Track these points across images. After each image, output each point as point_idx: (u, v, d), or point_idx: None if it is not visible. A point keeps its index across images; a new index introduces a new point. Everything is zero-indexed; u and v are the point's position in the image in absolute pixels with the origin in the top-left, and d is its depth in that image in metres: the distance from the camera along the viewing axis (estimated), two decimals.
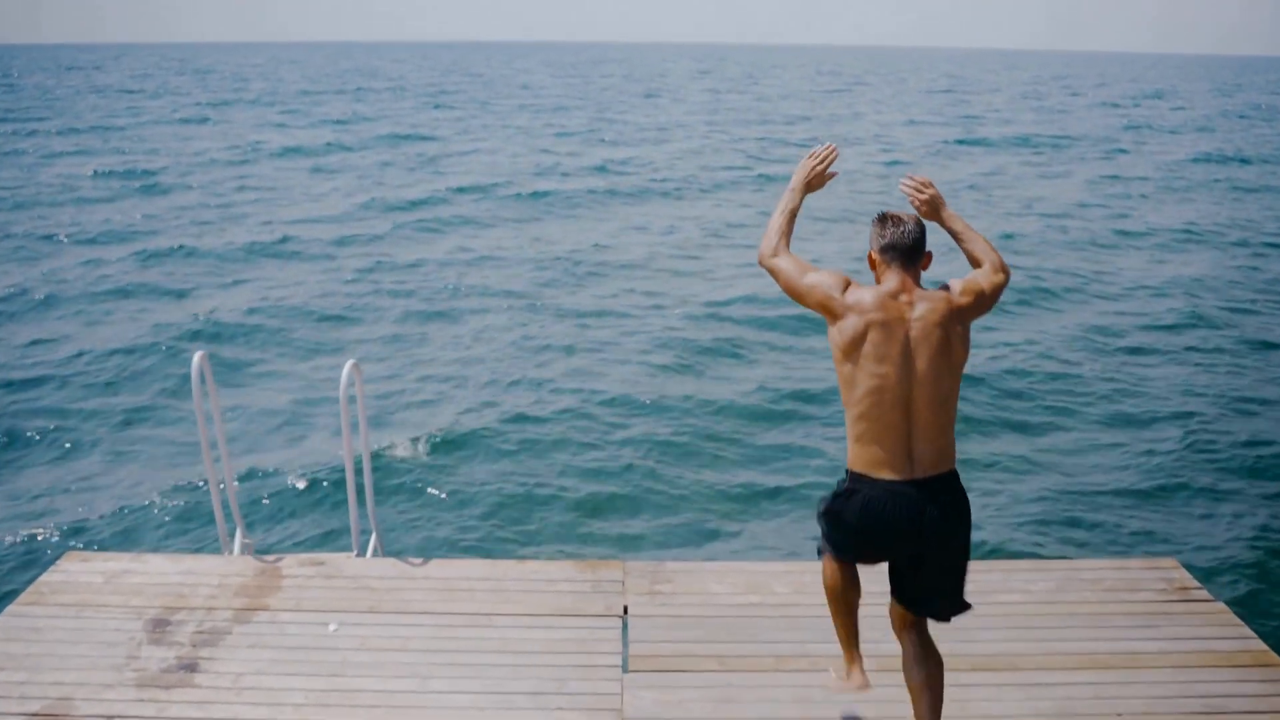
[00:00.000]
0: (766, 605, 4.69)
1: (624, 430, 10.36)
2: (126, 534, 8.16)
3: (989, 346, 12.93)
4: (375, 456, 9.25)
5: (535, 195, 25.48)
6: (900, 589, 3.58)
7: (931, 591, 3.54)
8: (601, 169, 30.62)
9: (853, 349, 3.45)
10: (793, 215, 3.78)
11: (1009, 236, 20.24)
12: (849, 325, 3.45)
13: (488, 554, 7.39)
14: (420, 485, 9.05)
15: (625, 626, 4.53)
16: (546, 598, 4.73)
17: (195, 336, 13.34)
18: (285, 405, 11.15)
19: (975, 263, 3.70)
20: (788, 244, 3.74)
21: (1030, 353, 13.00)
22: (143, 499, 8.74)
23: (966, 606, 3.58)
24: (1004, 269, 3.66)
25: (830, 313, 3.50)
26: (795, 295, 3.63)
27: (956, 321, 3.50)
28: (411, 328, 14.16)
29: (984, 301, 3.59)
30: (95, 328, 14.02)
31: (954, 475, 3.48)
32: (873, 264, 3.61)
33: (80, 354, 12.69)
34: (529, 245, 19.70)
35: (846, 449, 3.49)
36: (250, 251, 18.89)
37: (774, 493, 8.89)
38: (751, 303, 14.98)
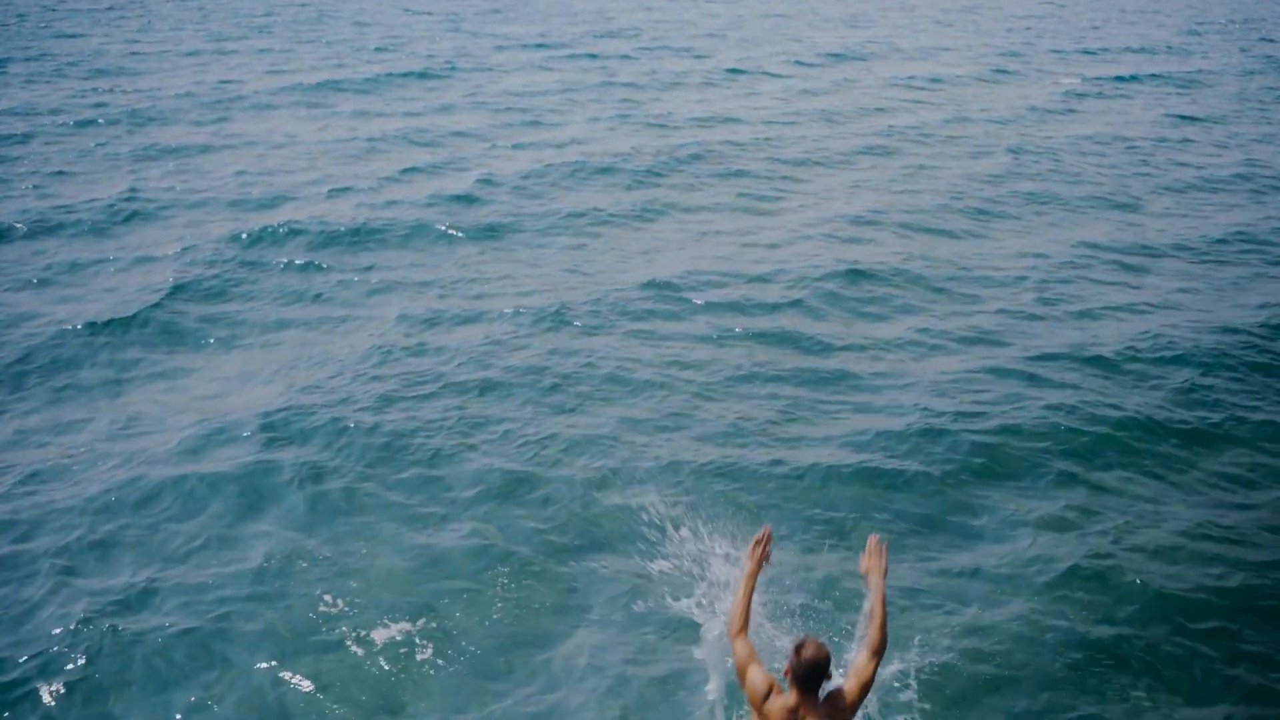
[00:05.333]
0: None
1: None
2: None
3: None
4: None
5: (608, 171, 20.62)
6: None
7: None
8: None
9: None
10: (751, 596, 5.56)
11: None
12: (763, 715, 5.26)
13: None
14: None
15: None
16: None
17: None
18: None
19: (868, 637, 5.33)
20: (747, 627, 5.50)
21: None
22: None
23: None
24: (880, 653, 5.31)
25: (753, 704, 5.30)
26: (738, 674, 5.43)
27: None
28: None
29: (865, 693, 5.25)
30: None
31: None
32: (787, 673, 5.19)
33: None
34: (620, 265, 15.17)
35: None
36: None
37: None
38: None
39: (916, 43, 46.18)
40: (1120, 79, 34.16)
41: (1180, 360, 11.62)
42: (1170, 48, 46.37)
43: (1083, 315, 13.08)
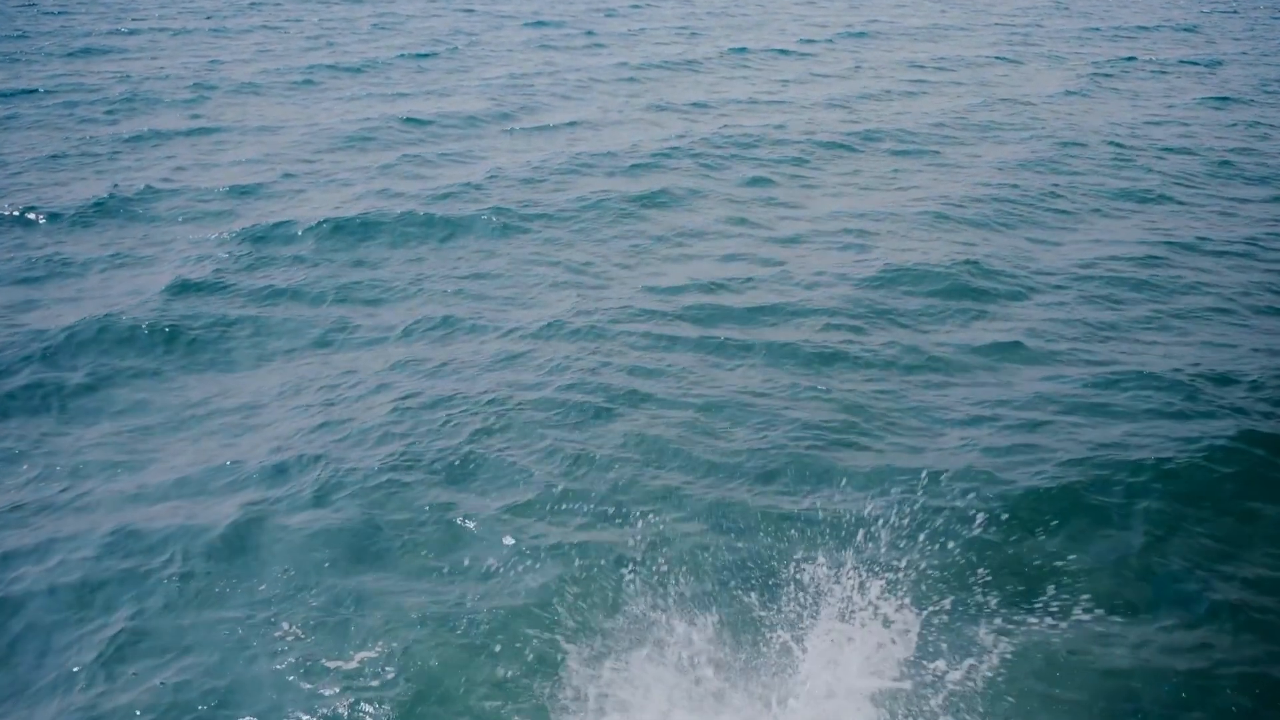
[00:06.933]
0: None
1: None
2: None
3: None
4: None
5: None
6: None
7: None
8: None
9: None
10: None
11: None
12: None
13: None
14: None
15: None
16: None
17: None
18: None
19: None
20: None
21: None
22: None
23: None
24: None
25: None
26: None
27: None
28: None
29: None
30: None
31: None
32: None
33: None
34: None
35: None
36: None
37: None
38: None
39: (923, 21, 45.26)
40: (1132, 59, 33.36)
41: (1242, 375, 10.88)
42: (1179, 26, 45.49)
43: (1136, 323, 12.31)
